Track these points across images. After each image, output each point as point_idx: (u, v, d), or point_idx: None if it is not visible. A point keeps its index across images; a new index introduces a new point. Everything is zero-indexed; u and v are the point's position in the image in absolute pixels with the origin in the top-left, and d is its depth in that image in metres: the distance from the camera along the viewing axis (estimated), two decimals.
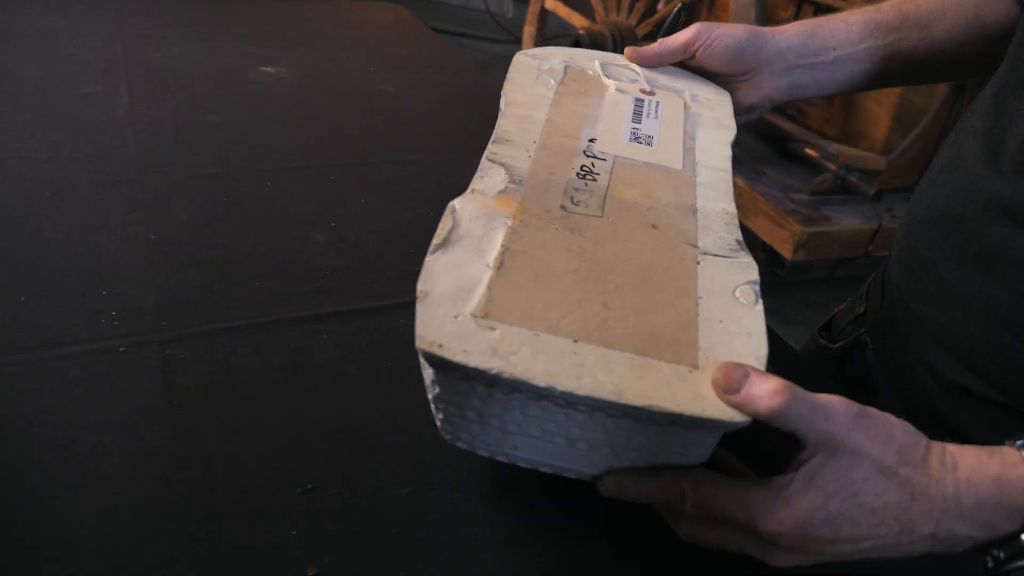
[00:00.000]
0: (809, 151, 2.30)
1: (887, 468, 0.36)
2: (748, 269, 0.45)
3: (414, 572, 0.38)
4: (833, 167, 2.21)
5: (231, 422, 0.45)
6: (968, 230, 0.51)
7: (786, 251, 2.11)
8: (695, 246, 0.46)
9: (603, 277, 0.42)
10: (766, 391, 0.35)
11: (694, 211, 0.50)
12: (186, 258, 0.60)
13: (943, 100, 2.21)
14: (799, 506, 0.36)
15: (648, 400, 0.35)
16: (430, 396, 0.40)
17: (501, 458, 0.41)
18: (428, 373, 0.39)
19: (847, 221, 2.13)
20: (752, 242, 2.26)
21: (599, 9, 2.61)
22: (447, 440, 0.41)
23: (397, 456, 0.45)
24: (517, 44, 3.85)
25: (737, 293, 0.43)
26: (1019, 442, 0.37)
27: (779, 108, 2.72)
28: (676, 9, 0.66)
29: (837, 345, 0.69)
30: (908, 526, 0.36)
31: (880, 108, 2.41)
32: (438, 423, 0.41)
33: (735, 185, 0.54)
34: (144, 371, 0.48)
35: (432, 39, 1.29)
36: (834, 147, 2.25)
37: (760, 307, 0.42)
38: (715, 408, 0.35)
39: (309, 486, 0.42)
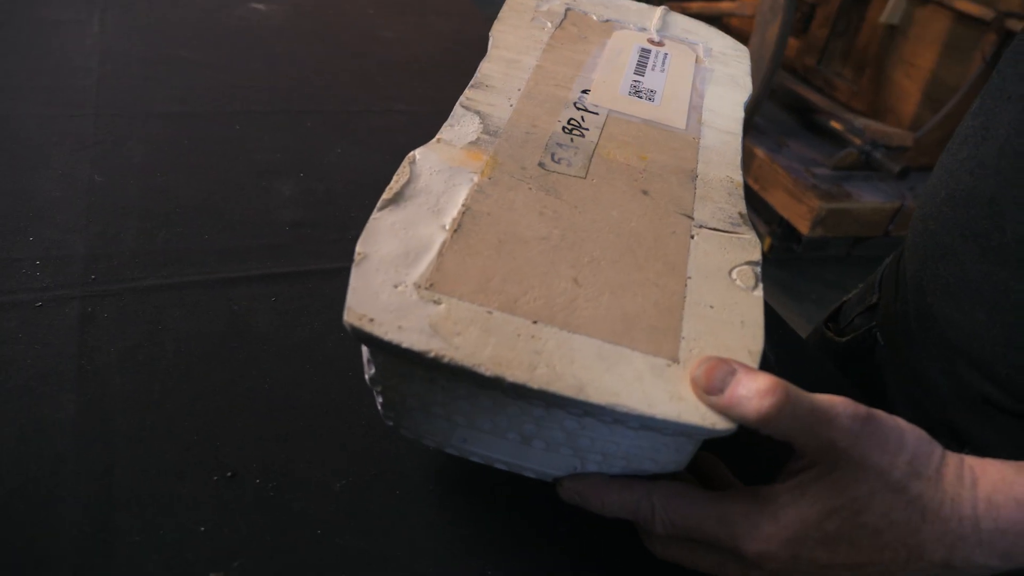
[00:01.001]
0: (835, 124, 2.20)
1: (896, 482, 0.30)
2: (749, 247, 0.38)
3: None
4: (858, 142, 2.11)
5: (147, 393, 0.40)
6: (996, 215, 0.43)
7: (803, 226, 2.02)
8: (690, 217, 0.40)
9: (577, 247, 0.36)
10: (755, 391, 0.29)
11: (693, 177, 0.43)
12: (131, 204, 0.54)
13: (976, 77, 2.09)
14: (788, 523, 0.30)
15: (614, 399, 0.29)
16: (367, 377, 0.34)
17: (450, 450, 0.35)
18: (364, 350, 0.33)
19: (868, 198, 2.04)
20: (769, 216, 2.17)
21: None
22: (389, 427, 0.35)
23: (334, 443, 0.39)
24: None
25: (734, 275, 0.36)
26: None
27: (806, 78, 2.61)
28: None
29: (845, 339, 0.62)
30: (917, 551, 0.30)
31: (911, 83, 2.30)
32: (379, 407, 0.35)
33: (754, 156, 0.47)
34: (58, 330, 0.42)
35: None
36: (861, 121, 2.15)
37: (759, 292, 0.36)
38: (694, 412, 0.29)
39: (228, 473, 0.36)
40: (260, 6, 0.95)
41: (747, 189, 2.25)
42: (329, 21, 0.95)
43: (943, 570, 0.31)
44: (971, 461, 0.32)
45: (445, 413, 0.33)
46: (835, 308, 0.67)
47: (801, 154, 2.19)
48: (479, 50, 0.98)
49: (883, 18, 2.28)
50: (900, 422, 0.31)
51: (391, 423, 0.35)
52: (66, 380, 0.39)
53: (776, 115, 2.39)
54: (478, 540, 0.36)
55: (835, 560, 0.30)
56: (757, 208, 2.20)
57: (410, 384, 0.32)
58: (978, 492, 0.30)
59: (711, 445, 0.35)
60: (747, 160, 2.14)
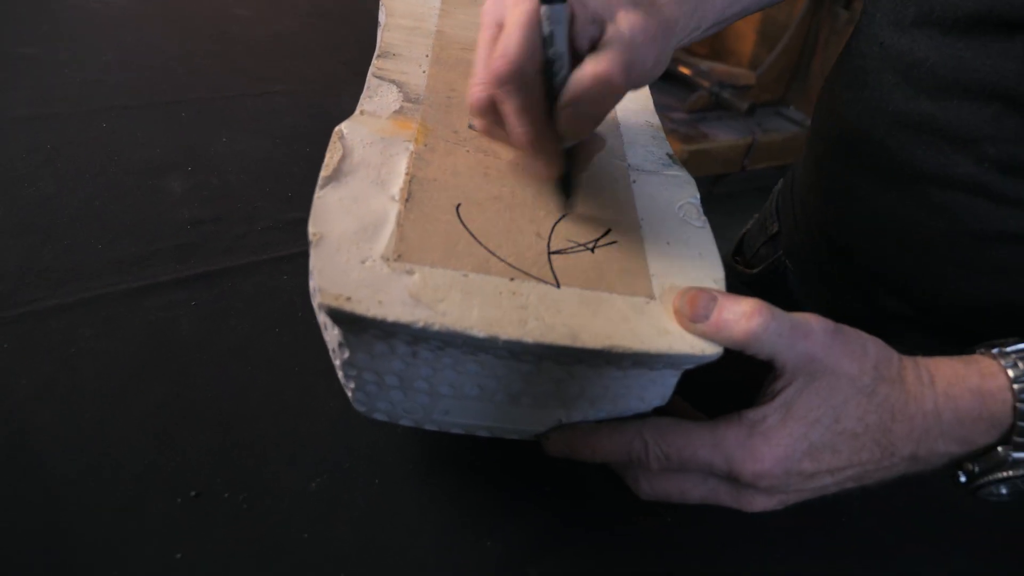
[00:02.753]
0: (682, 69, 2.30)
1: (866, 387, 0.32)
2: (686, 185, 0.40)
3: None
4: (706, 84, 2.21)
5: (77, 423, 0.36)
6: (894, 154, 0.46)
7: None
8: (625, 162, 0.40)
9: (530, 203, 0.35)
10: (740, 313, 0.30)
11: (617, 125, 0.44)
12: (2, 222, 0.48)
13: (804, 13, 2.25)
14: (779, 440, 0.31)
15: (608, 341, 0.29)
16: (337, 362, 0.32)
17: (429, 426, 0.35)
18: (334, 335, 0.31)
19: (723, 137, 2.16)
20: None
21: None
22: (361, 412, 0.34)
23: (298, 444, 0.37)
24: None
25: (680, 212, 0.37)
26: (995, 350, 0.34)
27: None
28: None
29: (755, 270, 0.66)
30: (889, 449, 0.33)
31: (745, 24, 2.44)
32: (349, 393, 0.34)
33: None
34: None
35: None
36: (705, 64, 2.26)
37: (707, 226, 0.37)
38: (683, 342, 0.30)
39: (192, 493, 0.34)
40: None
41: None
42: (177, 5, 0.88)
43: (909, 463, 0.34)
44: (924, 361, 0.35)
45: (429, 387, 0.32)
46: (737, 240, 0.71)
47: (657, 101, 2.27)
48: (339, 20, 0.94)
49: None
50: (861, 333, 0.34)
51: (363, 407, 0.34)
52: None
53: None
54: (469, 513, 0.35)
55: (820, 468, 0.32)
56: None
57: (390, 362, 0.31)
58: (936, 388, 0.33)
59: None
60: None
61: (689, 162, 2.11)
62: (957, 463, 0.35)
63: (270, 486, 0.35)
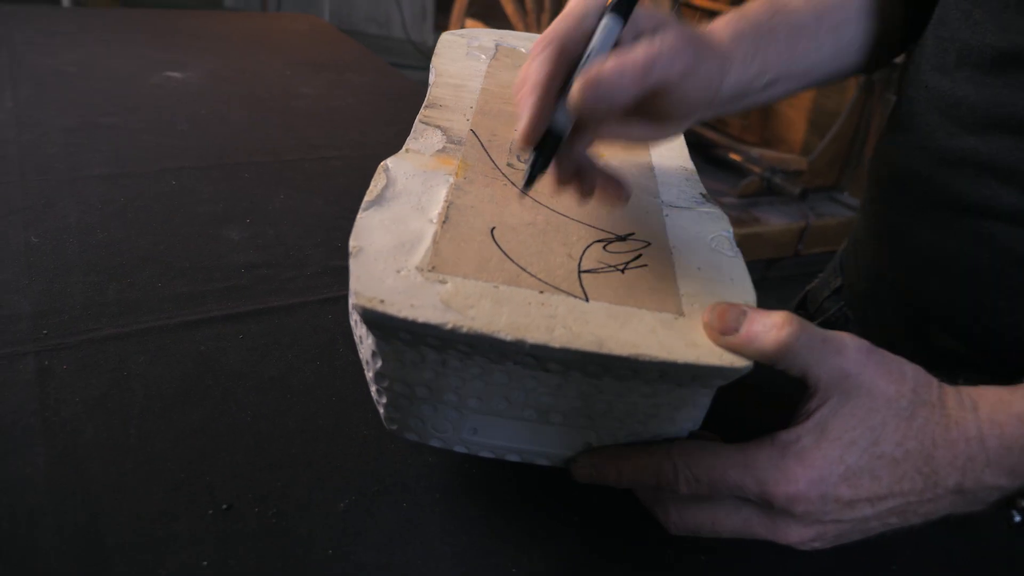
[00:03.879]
0: (733, 156, 2.33)
1: (904, 410, 0.31)
2: (719, 220, 0.40)
3: None
4: (758, 170, 2.23)
5: (122, 438, 0.37)
6: (940, 190, 0.46)
7: None
8: (658, 199, 0.41)
9: (563, 230, 0.37)
10: (770, 325, 0.30)
11: (651, 168, 0.45)
12: (73, 261, 0.51)
13: (854, 102, 2.27)
14: (814, 461, 0.30)
15: (635, 349, 0.29)
16: (370, 375, 0.33)
17: (459, 448, 0.35)
18: (368, 344, 0.32)
19: (776, 221, 2.16)
20: None
21: (518, 24, 2.60)
22: (392, 431, 0.35)
23: (329, 466, 0.38)
24: None
25: (712, 242, 0.38)
26: None
27: None
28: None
29: (817, 321, 0.65)
30: (932, 478, 0.31)
31: (795, 112, 2.47)
32: (381, 411, 0.34)
33: None
34: (14, 386, 0.39)
35: (350, 44, 1.23)
36: (756, 151, 2.29)
37: (739, 256, 0.37)
38: (712, 354, 0.30)
39: (223, 506, 0.34)
40: (175, 73, 0.94)
41: None
42: (247, 84, 0.95)
43: (955, 497, 0.32)
44: (967, 389, 0.33)
45: (458, 399, 0.32)
46: (800, 297, 0.70)
47: (707, 187, 2.30)
48: (398, 100, 1.00)
49: None
50: (898, 356, 0.33)
51: (395, 426, 0.34)
52: (31, 434, 0.37)
53: None
54: (494, 540, 0.35)
55: (859, 495, 0.31)
56: None
57: (420, 371, 0.32)
58: (980, 414, 0.32)
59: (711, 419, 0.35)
60: None
61: (742, 245, 2.09)
62: (1010, 500, 0.33)
63: (299, 504, 0.35)
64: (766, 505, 0.32)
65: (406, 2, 4.48)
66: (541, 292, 0.32)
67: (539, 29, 2.63)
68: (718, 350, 0.30)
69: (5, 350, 0.42)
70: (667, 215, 0.40)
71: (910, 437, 0.31)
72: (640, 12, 0.36)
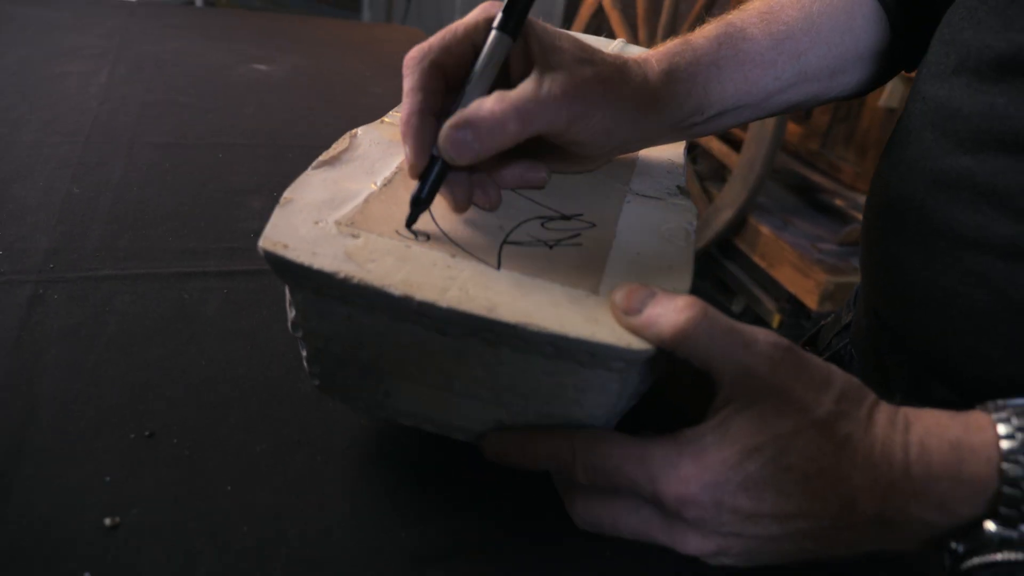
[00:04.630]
0: (838, 202, 2.22)
1: (821, 421, 0.28)
2: (685, 212, 0.38)
3: (237, 536, 0.31)
4: (861, 217, 2.11)
5: (79, 363, 0.39)
6: (932, 217, 0.42)
7: (812, 301, 2.00)
8: (626, 186, 0.40)
9: (511, 204, 0.36)
10: (672, 308, 0.28)
11: (635, 159, 0.43)
12: (101, 212, 0.55)
13: None
14: (710, 464, 0.28)
15: (526, 318, 0.28)
16: (288, 325, 0.34)
17: (378, 413, 0.35)
18: (286, 295, 0.33)
19: None
20: (777, 292, 2.16)
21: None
22: (318, 387, 0.35)
23: (259, 413, 0.38)
24: None
25: (666, 232, 0.36)
26: (992, 405, 0.29)
27: (810, 162, 2.65)
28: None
29: (824, 357, 0.60)
30: (849, 503, 0.28)
31: None
32: (305, 365, 0.35)
33: (760, 233, 0.47)
34: (4, 308, 0.43)
35: None
36: (863, 197, 2.17)
37: (690, 247, 0.35)
38: (608, 332, 0.28)
39: (146, 433, 0.36)
40: (262, 66, 1.00)
41: (754, 266, 2.25)
42: (325, 79, 0.99)
43: (879, 529, 0.29)
44: (906, 410, 0.30)
45: (368, 357, 0.32)
46: (813, 332, 0.66)
47: (807, 231, 2.19)
48: None
49: (882, 102, 2.34)
50: (830, 364, 0.30)
51: (317, 381, 0.35)
52: (2, 347, 0.40)
53: (780, 195, 2.42)
54: (396, 503, 0.34)
55: (761, 509, 0.28)
56: (765, 285, 2.20)
57: (329, 324, 0.32)
58: (910, 436, 0.29)
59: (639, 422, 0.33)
60: (753, 237, 2.15)
61: (835, 295, 2.00)
62: (940, 541, 0.29)
63: (218, 441, 0.36)
64: (659, 505, 0.29)
65: None
66: (452, 256, 0.31)
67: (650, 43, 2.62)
68: (619, 330, 0.29)
69: (11, 277, 0.46)
70: (628, 202, 0.38)
71: (826, 453, 0.28)
72: (540, 42, 0.34)
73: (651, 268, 0.33)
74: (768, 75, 0.44)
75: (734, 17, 0.46)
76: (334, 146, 0.38)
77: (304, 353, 0.34)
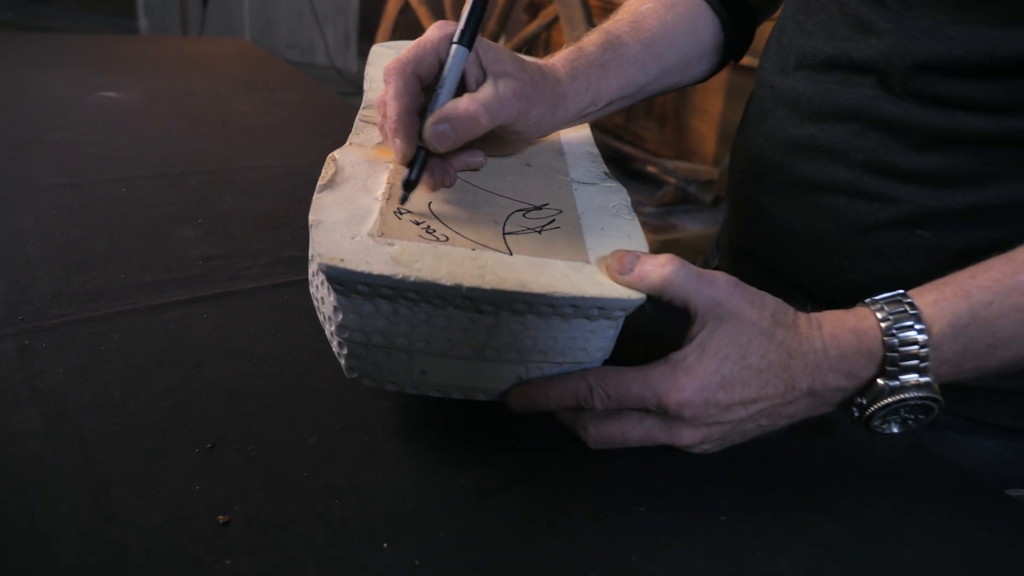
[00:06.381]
0: (650, 168, 2.47)
1: (765, 330, 0.39)
2: (619, 192, 0.48)
3: (331, 510, 0.37)
4: (673, 180, 2.37)
5: (106, 398, 0.42)
6: (789, 172, 0.55)
7: None
8: (568, 177, 0.49)
9: (490, 202, 0.44)
10: (657, 264, 0.38)
11: (561, 152, 0.53)
12: (35, 258, 0.55)
13: None
14: (697, 373, 0.38)
15: (551, 288, 0.36)
16: (332, 329, 0.39)
17: (410, 389, 0.41)
18: (329, 303, 0.38)
19: (692, 228, 2.29)
20: None
21: None
22: (353, 378, 0.41)
23: (296, 413, 0.43)
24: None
25: (613, 208, 0.46)
26: (869, 301, 0.41)
27: (617, 134, 2.90)
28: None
29: None
30: (790, 383, 0.39)
31: (705, 127, 2.63)
32: (342, 362, 0.40)
33: None
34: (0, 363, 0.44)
35: (280, 65, 1.28)
36: (671, 163, 2.43)
37: (636, 218, 0.45)
38: (613, 289, 0.37)
39: (208, 445, 0.40)
40: (111, 93, 0.98)
41: None
42: (184, 102, 0.99)
43: (810, 399, 0.41)
44: (814, 313, 0.42)
45: (408, 343, 0.39)
46: None
47: None
48: (330, 115, 1.06)
49: None
50: (761, 290, 0.41)
51: (354, 374, 0.40)
52: (22, 399, 0.41)
53: None
54: (442, 462, 0.41)
55: (733, 399, 0.39)
56: None
57: (375, 321, 0.38)
58: (823, 331, 0.41)
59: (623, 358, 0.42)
60: None
61: (661, 251, 2.23)
62: (850, 400, 0.41)
63: (274, 441, 0.40)
64: (663, 413, 0.39)
65: (329, 28, 4.52)
66: (473, 249, 0.39)
67: None
68: (618, 287, 0.38)
69: None
70: (576, 189, 0.48)
71: (771, 351, 0.39)
72: (487, 54, 0.44)
73: (617, 238, 0.43)
74: (640, 72, 0.56)
75: (610, 27, 0.57)
76: (324, 172, 0.44)
77: (344, 351, 0.40)
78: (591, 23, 2.24)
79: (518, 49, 0.60)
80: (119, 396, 0.42)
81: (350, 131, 0.50)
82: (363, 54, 4.55)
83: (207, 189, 0.72)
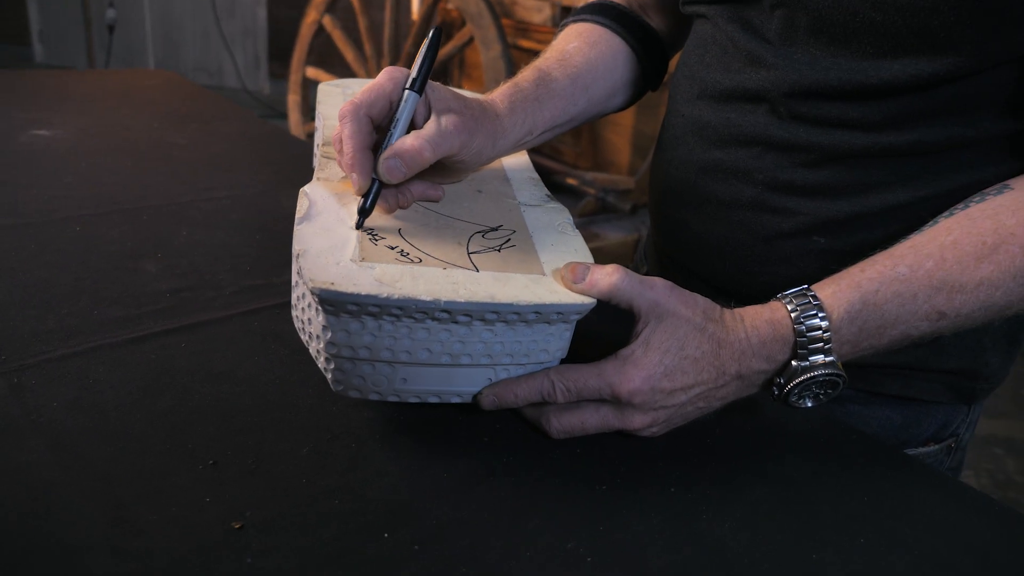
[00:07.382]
0: (570, 180, 2.56)
1: (698, 325, 0.46)
2: (562, 212, 0.54)
3: (332, 506, 0.41)
4: (592, 191, 2.47)
5: (103, 426, 0.45)
6: (702, 191, 0.63)
7: None
8: (516, 200, 0.55)
9: (451, 226, 0.49)
10: (605, 273, 0.44)
11: (507, 178, 0.59)
12: (4, 299, 0.57)
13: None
14: (643, 365, 0.45)
15: (516, 298, 0.42)
16: (319, 346, 0.44)
17: (391, 397, 0.46)
18: (317, 323, 0.43)
19: (613, 235, 2.40)
20: None
21: (360, 71, 2.71)
22: (339, 391, 0.45)
23: (286, 427, 0.47)
24: (279, 118, 3.84)
25: (558, 227, 0.52)
26: (780, 296, 0.49)
27: (537, 148, 2.99)
28: (432, 35, 0.52)
29: None
30: (721, 369, 0.46)
31: (620, 139, 2.76)
32: (329, 376, 0.45)
33: None
34: None
35: (209, 96, 1.29)
36: (590, 175, 2.53)
37: (579, 234, 0.52)
38: (568, 296, 0.43)
39: (210, 462, 0.43)
40: (43, 132, 0.98)
41: None
42: (120, 138, 1.00)
43: (738, 382, 0.48)
44: (738, 309, 0.49)
45: (391, 355, 0.43)
46: None
47: None
48: (268, 143, 1.09)
49: None
50: (692, 292, 0.48)
51: (340, 387, 0.45)
52: (24, 432, 0.44)
53: None
54: (426, 460, 0.46)
55: (675, 385, 0.46)
56: None
57: (362, 336, 0.42)
58: (745, 324, 0.48)
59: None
60: None
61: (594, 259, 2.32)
62: (771, 382, 0.48)
63: (270, 454, 0.44)
64: (616, 401, 0.46)
65: (239, 50, 4.46)
66: (444, 268, 0.44)
67: (379, 67, 2.76)
68: (572, 294, 0.44)
69: None
70: (524, 211, 0.54)
71: (704, 342, 0.46)
72: (433, 94, 0.50)
73: (566, 252, 0.49)
74: (570, 104, 0.63)
75: (541, 64, 0.64)
76: (299, 206, 0.48)
77: (331, 367, 0.44)
78: (505, 43, 2.32)
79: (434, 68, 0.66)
80: (117, 423, 0.45)
81: (290, 159, 0.55)
82: (275, 75, 4.51)
83: (161, 223, 0.74)
